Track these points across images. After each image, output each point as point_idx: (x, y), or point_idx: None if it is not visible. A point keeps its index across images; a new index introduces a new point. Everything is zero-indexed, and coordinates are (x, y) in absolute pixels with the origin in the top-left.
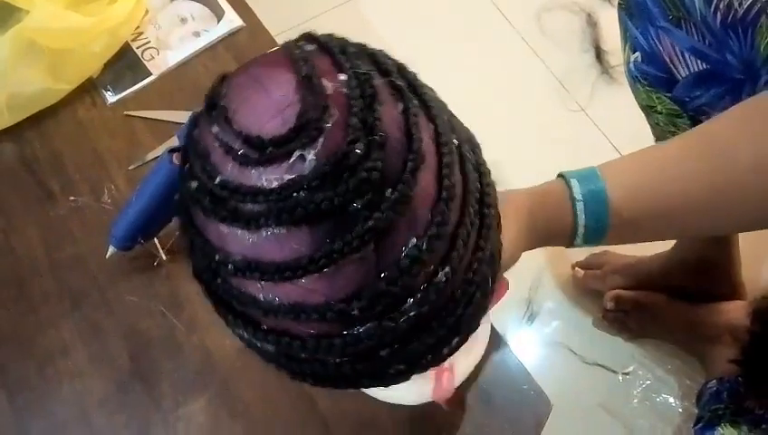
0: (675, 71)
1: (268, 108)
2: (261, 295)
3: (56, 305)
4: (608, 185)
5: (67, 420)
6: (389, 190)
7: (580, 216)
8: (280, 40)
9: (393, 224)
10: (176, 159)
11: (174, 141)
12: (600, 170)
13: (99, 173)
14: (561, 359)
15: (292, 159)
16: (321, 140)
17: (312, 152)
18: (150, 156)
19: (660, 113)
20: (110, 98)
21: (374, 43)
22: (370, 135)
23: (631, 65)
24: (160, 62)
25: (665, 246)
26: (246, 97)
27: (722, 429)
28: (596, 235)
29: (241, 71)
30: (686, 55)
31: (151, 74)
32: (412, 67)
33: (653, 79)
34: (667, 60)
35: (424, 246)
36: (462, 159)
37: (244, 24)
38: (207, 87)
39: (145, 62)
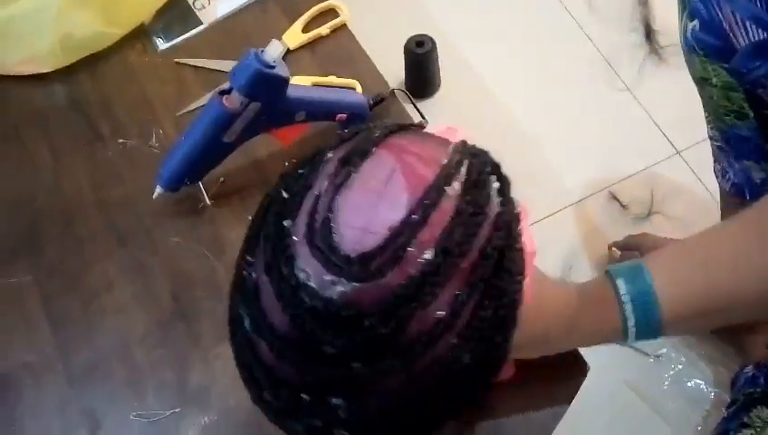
0: (734, 40)
1: (362, 218)
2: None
3: (102, 243)
4: (656, 284)
5: (109, 353)
6: (358, 365)
7: (629, 317)
8: None
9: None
10: (225, 100)
11: (224, 85)
12: (647, 265)
13: (147, 117)
14: None
15: (330, 277)
16: (360, 287)
17: (344, 288)
18: (197, 104)
19: (715, 86)
20: (161, 45)
21: (421, 16)
22: (396, 341)
23: (688, 34)
24: (211, 11)
25: None
26: (366, 187)
27: (757, 410)
28: (649, 332)
29: (396, 141)
30: (747, 23)
31: (202, 23)
32: (456, 41)
33: (710, 48)
34: (727, 28)
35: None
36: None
37: None
38: (256, 39)
39: (196, 11)
